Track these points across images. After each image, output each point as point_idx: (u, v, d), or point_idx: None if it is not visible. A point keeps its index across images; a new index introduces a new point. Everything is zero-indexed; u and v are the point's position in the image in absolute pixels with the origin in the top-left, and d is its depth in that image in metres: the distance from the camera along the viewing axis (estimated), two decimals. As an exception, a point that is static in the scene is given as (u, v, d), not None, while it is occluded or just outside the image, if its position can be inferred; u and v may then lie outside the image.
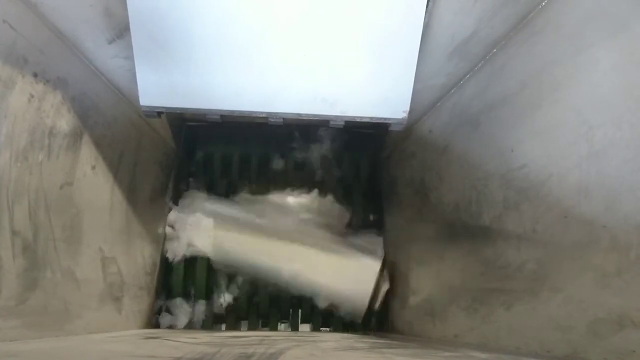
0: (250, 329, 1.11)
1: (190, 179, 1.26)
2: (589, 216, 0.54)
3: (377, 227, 1.21)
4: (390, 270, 1.12)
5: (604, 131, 0.53)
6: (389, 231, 1.15)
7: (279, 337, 0.72)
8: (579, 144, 0.56)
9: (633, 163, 0.49)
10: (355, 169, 1.29)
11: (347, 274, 1.08)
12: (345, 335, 0.99)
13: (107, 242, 0.84)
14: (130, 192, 0.94)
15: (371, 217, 1.23)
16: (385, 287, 1.10)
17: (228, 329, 1.11)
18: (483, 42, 0.76)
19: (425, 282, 0.92)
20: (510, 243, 0.66)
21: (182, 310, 1.12)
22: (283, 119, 0.81)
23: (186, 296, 1.14)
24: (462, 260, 0.79)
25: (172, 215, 1.15)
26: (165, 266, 1.13)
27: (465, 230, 0.79)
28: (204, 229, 1.11)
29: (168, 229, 1.14)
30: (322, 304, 1.10)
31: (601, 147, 0.53)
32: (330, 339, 0.74)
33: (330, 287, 1.08)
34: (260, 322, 1.14)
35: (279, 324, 1.13)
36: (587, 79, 0.57)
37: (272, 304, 1.13)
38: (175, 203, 1.18)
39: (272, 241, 1.10)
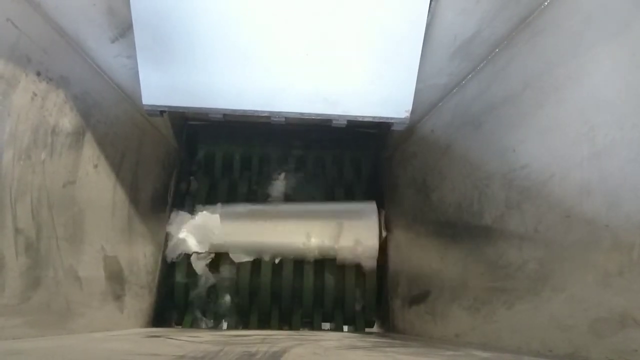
0: (250, 328, 1.11)
1: (192, 178, 1.26)
2: (591, 216, 0.54)
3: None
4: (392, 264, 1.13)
5: (606, 131, 0.53)
6: (391, 231, 1.15)
7: (282, 336, 0.72)
8: (581, 143, 0.56)
9: (635, 163, 0.49)
10: (357, 168, 1.29)
11: (353, 230, 1.13)
12: (347, 334, 0.99)
13: (109, 240, 0.84)
14: (132, 191, 0.94)
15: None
16: (383, 233, 1.14)
17: (229, 328, 1.11)
18: (485, 43, 0.76)
19: (426, 281, 0.92)
20: (512, 243, 0.66)
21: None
22: (285, 118, 0.81)
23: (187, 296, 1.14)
24: (463, 260, 0.79)
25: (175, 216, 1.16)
26: (167, 265, 1.13)
27: (467, 230, 0.79)
28: (210, 226, 1.12)
29: (171, 228, 1.14)
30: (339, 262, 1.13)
31: (603, 147, 0.53)
32: (332, 338, 0.74)
33: (343, 246, 1.11)
34: (259, 321, 1.14)
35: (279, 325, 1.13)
36: (589, 79, 0.57)
37: (274, 302, 1.13)
38: (176, 203, 1.19)
39: (279, 221, 1.14)
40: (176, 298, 1.12)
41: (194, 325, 1.11)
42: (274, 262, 1.13)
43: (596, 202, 0.53)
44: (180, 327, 1.11)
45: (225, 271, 1.13)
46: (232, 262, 1.13)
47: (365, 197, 1.19)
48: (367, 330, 1.14)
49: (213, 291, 1.14)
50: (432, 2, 0.69)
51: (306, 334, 0.85)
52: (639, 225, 0.48)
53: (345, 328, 1.15)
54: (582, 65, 0.58)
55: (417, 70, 0.75)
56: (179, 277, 1.12)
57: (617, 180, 0.51)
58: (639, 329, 0.47)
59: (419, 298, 0.93)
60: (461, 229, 0.81)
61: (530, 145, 0.66)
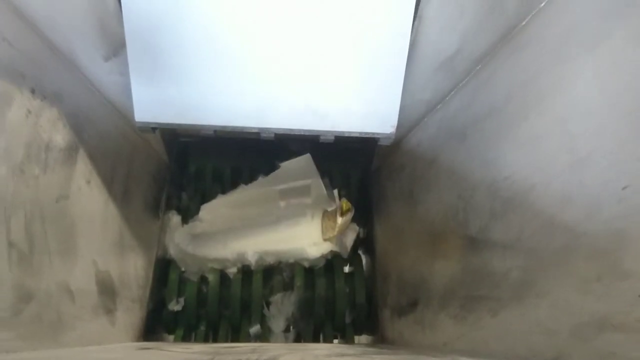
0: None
1: (183, 193, 1.27)
2: (571, 224, 0.55)
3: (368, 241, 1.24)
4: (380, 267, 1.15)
5: (585, 141, 0.55)
6: (380, 242, 1.17)
7: (271, 347, 0.73)
8: (561, 153, 0.58)
9: (613, 171, 0.51)
10: (346, 181, 1.31)
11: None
12: (336, 344, 1.00)
13: (101, 255, 0.85)
14: (124, 206, 0.95)
15: (361, 233, 1.25)
16: (352, 229, 1.18)
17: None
18: (467, 59, 0.79)
19: (415, 291, 0.93)
20: (496, 251, 0.68)
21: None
22: (275, 134, 0.83)
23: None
24: (450, 269, 0.81)
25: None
26: (158, 279, 1.14)
27: (453, 240, 0.81)
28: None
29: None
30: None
31: (582, 156, 0.55)
32: (321, 348, 0.75)
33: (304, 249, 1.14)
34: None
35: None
36: (569, 91, 0.59)
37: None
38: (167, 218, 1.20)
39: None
40: (165, 313, 1.13)
41: (185, 338, 1.12)
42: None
43: (576, 210, 0.55)
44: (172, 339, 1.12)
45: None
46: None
47: (356, 208, 1.21)
48: (357, 341, 1.14)
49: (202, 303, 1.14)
50: (415, 22, 0.72)
51: (295, 345, 0.85)
52: (616, 233, 0.49)
53: (336, 341, 1.15)
54: (562, 77, 0.60)
55: (401, 87, 0.77)
56: (170, 290, 1.13)
57: (596, 188, 0.53)
58: (617, 333, 0.48)
59: (407, 308, 0.94)
60: (448, 239, 0.83)
61: (512, 156, 0.68)
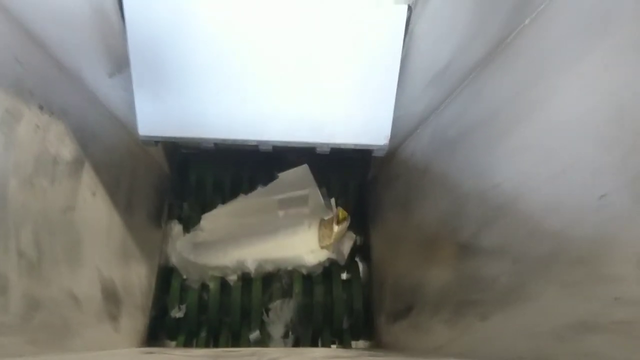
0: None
1: (184, 203, 1.30)
2: (554, 231, 0.58)
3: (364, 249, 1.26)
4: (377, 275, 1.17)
5: (567, 152, 0.57)
6: (376, 250, 1.19)
7: (270, 350, 0.75)
8: (545, 164, 0.60)
9: (591, 181, 0.53)
10: (344, 190, 1.33)
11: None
12: (332, 349, 1.03)
13: (106, 263, 0.87)
14: (127, 216, 0.98)
15: (358, 240, 1.27)
16: (349, 237, 1.21)
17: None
18: (457, 73, 0.81)
19: (410, 297, 0.95)
20: (485, 258, 0.70)
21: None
22: (273, 146, 0.86)
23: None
24: (443, 275, 0.83)
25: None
26: (161, 286, 1.16)
27: (446, 247, 0.83)
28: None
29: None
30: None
31: (565, 166, 0.57)
32: (317, 352, 0.77)
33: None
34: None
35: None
36: (552, 104, 0.61)
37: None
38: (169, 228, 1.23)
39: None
40: (167, 320, 1.15)
41: (186, 344, 1.14)
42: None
43: (559, 218, 0.57)
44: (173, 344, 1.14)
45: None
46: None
47: (353, 217, 1.24)
48: (354, 346, 1.17)
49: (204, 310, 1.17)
50: (407, 38, 0.75)
51: (292, 349, 0.88)
52: (595, 240, 0.51)
53: (334, 347, 1.17)
54: (546, 91, 0.63)
55: (394, 101, 0.80)
56: (173, 298, 1.15)
57: (576, 198, 0.55)
58: (595, 334, 0.50)
59: (403, 313, 0.96)
60: (440, 246, 0.85)
61: (501, 166, 0.70)
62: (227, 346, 1.12)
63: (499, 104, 0.73)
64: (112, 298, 0.90)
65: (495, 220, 0.70)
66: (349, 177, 1.34)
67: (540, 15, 0.67)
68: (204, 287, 1.17)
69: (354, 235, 1.24)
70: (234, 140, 0.83)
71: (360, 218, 1.27)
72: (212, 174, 1.32)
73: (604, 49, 0.55)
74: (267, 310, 1.16)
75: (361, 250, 1.28)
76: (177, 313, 1.15)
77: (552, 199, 0.59)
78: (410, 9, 0.73)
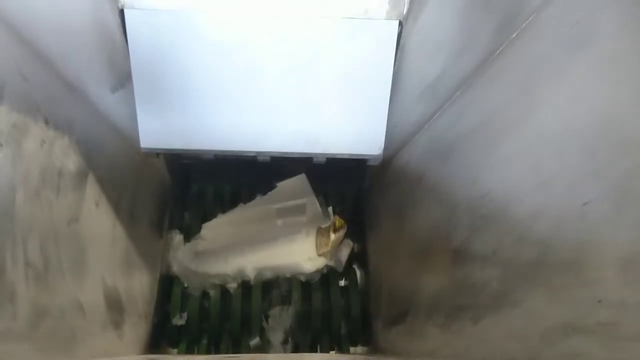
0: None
1: (185, 213, 1.32)
2: (539, 238, 0.59)
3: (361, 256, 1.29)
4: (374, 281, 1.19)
5: (551, 162, 0.59)
6: (372, 257, 1.21)
7: (269, 356, 0.77)
8: (531, 173, 0.62)
9: (574, 189, 0.55)
10: (341, 199, 1.36)
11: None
12: (330, 354, 1.04)
13: (109, 272, 0.89)
14: (130, 226, 1.00)
15: (355, 248, 1.29)
16: (347, 244, 1.22)
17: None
18: (448, 85, 0.84)
19: (405, 303, 0.97)
20: (476, 264, 0.72)
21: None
22: (270, 157, 0.88)
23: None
24: (437, 281, 0.85)
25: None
26: (163, 294, 1.18)
27: (439, 254, 0.85)
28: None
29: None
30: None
31: (549, 176, 0.59)
32: (316, 358, 0.79)
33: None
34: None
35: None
36: (537, 116, 0.64)
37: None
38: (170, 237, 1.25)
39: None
40: (169, 328, 1.17)
41: (188, 351, 1.16)
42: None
43: (544, 225, 0.59)
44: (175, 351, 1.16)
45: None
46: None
47: (350, 224, 1.26)
48: (352, 352, 1.18)
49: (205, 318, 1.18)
50: (398, 52, 0.78)
51: (292, 355, 0.89)
52: (578, 246, 0.53)
53: (332, 353, 1.19)
54: (532, 103, 0.65)
55: (387, 112, 0.83)
56: (174, 305, 1.17)
57: (561, 205, 0.57)
58: (580, 336, 0.51)
59: (398, 319, 0.98)
60: (434, 253, 0.87)
61: (491, 174, 0.72)
62: (227, 352, 1.13)
63: (488, 115, 0.75)
64: (116, 306, 0.91)
65: (485, 227, 0.72)
66: (345, 186, 1.36)
67: (527, 29, 0.70)
68: (204, 294, 1.19)
69: (351, 243, 1.26)
70: (234, 152, 0.86)
71: (357, 226, 1.29)
72: (212, 184, 1.35)
73: (587, 61, 0.57)
74: (267, 317, 1.17)
75: (358, 257, 1.29)
76: (178, 321, 1.16)
77: (539, 207, 0.61)
78: (401, 24, 0.75)
